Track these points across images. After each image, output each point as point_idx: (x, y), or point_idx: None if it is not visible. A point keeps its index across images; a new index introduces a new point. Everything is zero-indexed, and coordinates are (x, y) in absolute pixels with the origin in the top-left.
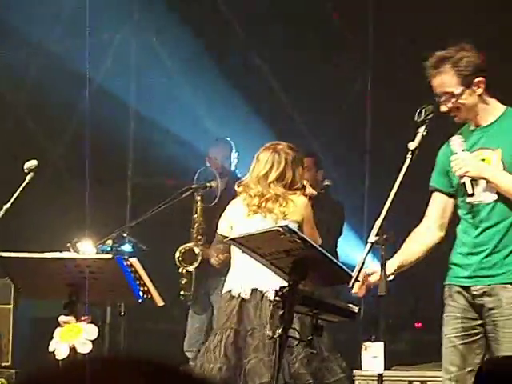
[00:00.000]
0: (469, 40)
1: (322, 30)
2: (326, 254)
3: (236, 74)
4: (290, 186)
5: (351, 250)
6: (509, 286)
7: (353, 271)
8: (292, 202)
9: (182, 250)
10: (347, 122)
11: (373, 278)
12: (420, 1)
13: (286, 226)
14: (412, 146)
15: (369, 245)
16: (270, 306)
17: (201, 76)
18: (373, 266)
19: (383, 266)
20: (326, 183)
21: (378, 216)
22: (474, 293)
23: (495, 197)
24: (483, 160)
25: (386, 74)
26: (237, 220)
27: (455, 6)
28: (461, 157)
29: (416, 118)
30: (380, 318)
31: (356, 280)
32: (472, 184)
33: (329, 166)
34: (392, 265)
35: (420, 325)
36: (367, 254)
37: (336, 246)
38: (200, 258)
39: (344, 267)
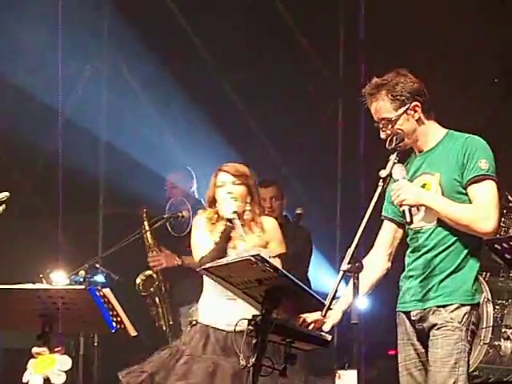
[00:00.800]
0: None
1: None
2: (299, 282)
3: (206, 102)
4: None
5: (324, 277)
6: (441, 309)
7: (325, 299)
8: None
9: (143, 277)
10: (319, 149)
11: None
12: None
13: (258, 254)
14: (383, 173)
15: (341, 273)
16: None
17: (169, 104)
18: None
19: (355, 295)
20: (298, 211)
21: (351, 244)
22: (413, 318)
23: (434, 223)
24: (424, 185)
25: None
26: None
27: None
28: (400, 184)
29: (387, 146)
30: (353, 346)
31: (329, 308)
32: (410, 211)
33: (300, 193)
34: (340, 310)
35: (394, 352)
36: (340, 281)
37: (307, 275)
38: (156, 283)
39: (317, 296)
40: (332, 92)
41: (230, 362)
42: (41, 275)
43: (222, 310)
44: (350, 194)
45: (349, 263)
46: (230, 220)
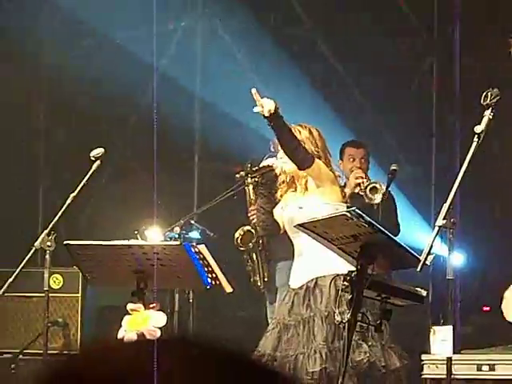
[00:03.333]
0: None
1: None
2: (394, 238)
3: (302, 60)
4: None
5: (419, 233)
6: None
7: (421, 255)
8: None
9: (241, 232)
10: (413, 105)
11: None
12: None
13: (354, 210)
14: (478, 129)
15: (436, 228)
16: (322, 293)
17: (266, 61)
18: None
19: (451, 250)
20: (393, 167)
21: (446, 200)
22: None
23: None
24: None
25: (450, 58)
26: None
27: None
28: None
29: (482, 102)
30: (448, 302)
31: (424, 264)
32: None
33: (396, 151)
34: None
35: (488, 309)
36: (435, 237)
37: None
38: (255, 238)
39: (412, 251)
40: (426, 49)
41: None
42: (136, 232)
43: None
44: (445, 151)
45: (444, 219)
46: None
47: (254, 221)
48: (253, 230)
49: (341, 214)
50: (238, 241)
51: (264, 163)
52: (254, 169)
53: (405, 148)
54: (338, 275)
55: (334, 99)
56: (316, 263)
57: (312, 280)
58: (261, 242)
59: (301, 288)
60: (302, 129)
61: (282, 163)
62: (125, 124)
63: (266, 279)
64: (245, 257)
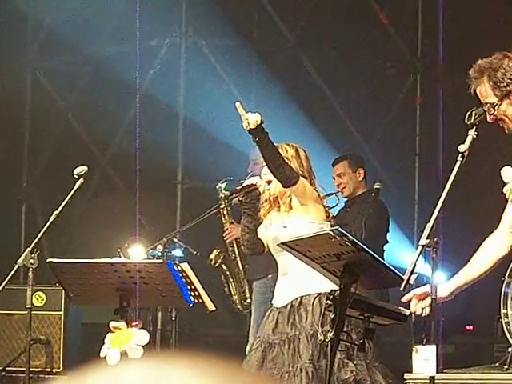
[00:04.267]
0: None
1: (371, 32)
2: (377, 257)
3: (286, 78)
4: None
5: (402, 253)
6: None
7: (404, 274)
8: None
9: (216, 252)
10: (397, 123)
11: (425, 303)
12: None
13: (337, 229)
14: (462, 148)
15: (420, 247)
16: (306, 312)
17: (249, 79)
18: (424, 287)
19: (434, 269)
20: (377, 186)
21: (429, 219)
22: None
23: None
24: None
25: (434, 76)
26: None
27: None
28: None
29: (466, 121)
30: (431, 321)
31: (407, 283)
32: None
33: (379, 169)
34: (453, 284)
35: (471, 328)
36: (418, 256)
37: (383, 249)
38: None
39: (395, 270)
40: (410, 67)
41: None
42: (118, 249)
43: (276, 287)
44: (429, 169)
45: (427, 238)
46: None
47: (228, 240)
48: (229, 249)
49: (324, 233)
50: (213, 261)
51: (247, 182)
52: (237, 188)
53: (388, 167)
54: (321, 294)
55: (318, 118)
56: (301, 282)
57: (297, 299)
58: (239, 261)
59: (285, 307)
60: (289, 147)
61: (265, 184)
62: (108, 142)
63: (247, 299)
64: (222, 279)
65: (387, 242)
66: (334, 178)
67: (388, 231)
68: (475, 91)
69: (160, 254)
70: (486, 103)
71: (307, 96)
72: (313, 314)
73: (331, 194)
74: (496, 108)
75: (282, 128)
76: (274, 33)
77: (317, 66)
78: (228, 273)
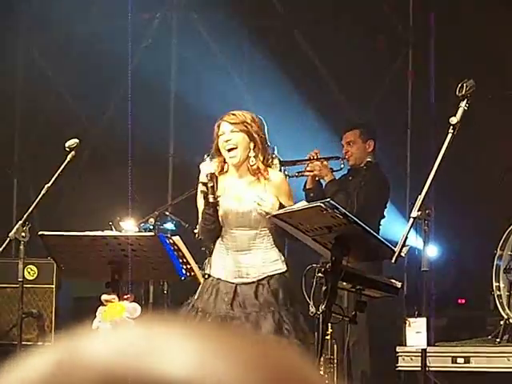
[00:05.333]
0: None
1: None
2: (369, 229)
3: (278, 53)
4: None
5: (394, 225)
6: None
7: (395, 246)
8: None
9: None
10: (389, 97)
11: None
12: None
13: (328, 201)
14: (454, 120)
15: (411, 220)
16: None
17: (241, 53)
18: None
19: (426, 242)
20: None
21: (421, 191)
22: None
23: None
24: None
25: (426, 50)
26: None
27: None
28: None
29: (457, 93)
30: (423, 294)
31: (399, 255)
32: None
33: None
34: None
35: (463, 301)
36: (410, 228)
37: (379, 225)
38: None
39: (387, 243)
40: (402, 41)
41: (237, 316)
42: (110, 223)
43: (231, 262)
44: (420, 142)
45: (419, 210)
46: (203, 184)
47: None
48: None
49: (316, 205)
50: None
51: (205, 173)
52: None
53: (380, 140)
54: (313, 265)
55: (310, 93)
56: (265, 261)
57: (263, 278)
58: None
59: (248, 284)
60: (247, 113)
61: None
62: (99, 116)
63: None
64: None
65: (384, 216)
66: (342, 146)
67: (386, 205)
68: None
69: (152, 227)
70: None
71: (299, 70)
72: (276, 294)
73: (335, 157)
74: None
75: (274, 102)
76: (266, 6)
77: (308, 40)
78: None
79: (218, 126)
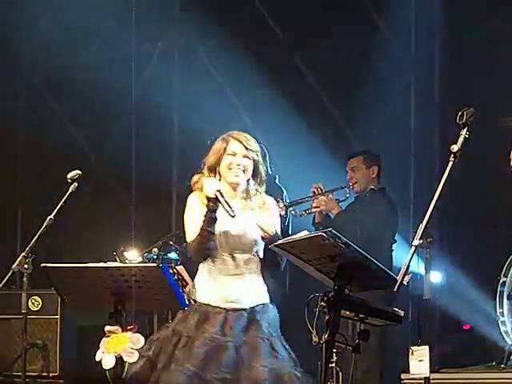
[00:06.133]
0: None
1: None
2: (371, 258)
3: (282, 81)
4: None
5: (398, 251)
6: None
7: (397, 275)
8: None
9: None
10: (393, 124)
11: None
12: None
13: (330, 230)
14: (455, 148)
15: (413, 248)
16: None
17: (244, 81)
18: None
19: (427, 269)
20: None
21: (422, 219)
22: None
23: None
24: None
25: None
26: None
27: None
28: None
29: (458, 121)
30: (425, 322)
31: (401, 284)
32: None
33: None
34: None
35: (468, 327)
36: (411, 257)
37: (392, 250)
38: None
39: (389, 271)
40: (404, 68)
41: (229, 340)
42: (114, 253)
43: (220, 287)
44: (424, 169)
45: (420, 239)
46: (212, 199)
47: None
48: None
49: (317, 235)
50: None
51: (210, 194)
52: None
53: (383, 167)
54: (315, 295)
55: (311, 119)
56: (259, 288)
57: (257, 305)
58: None
59: (243, 310)
60: (254, 141)
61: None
62: (103, 146)
63: None
64: None
65: (395, 241)
66: (347, 172)
67: (395, 230)
68: None
69: (155, 256)
70: None
71: (300, 97)
72: (268, 322)
73: (340, 187)
74: None
75: (275, 129)
76: (267, 33)
77: (310, 65)
78: None
79: (227, 143)
